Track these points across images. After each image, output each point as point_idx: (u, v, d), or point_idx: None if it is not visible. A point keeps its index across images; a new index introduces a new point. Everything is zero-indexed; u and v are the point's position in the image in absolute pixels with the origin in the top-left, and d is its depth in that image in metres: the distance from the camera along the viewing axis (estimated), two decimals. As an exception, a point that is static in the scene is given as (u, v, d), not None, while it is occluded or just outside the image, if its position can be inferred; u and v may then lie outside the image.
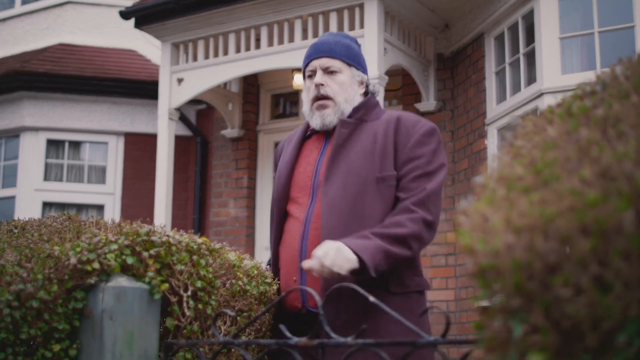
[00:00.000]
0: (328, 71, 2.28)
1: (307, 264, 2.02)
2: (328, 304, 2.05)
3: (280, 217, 2.28)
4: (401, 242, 2.08)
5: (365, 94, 2.37)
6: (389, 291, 2.12)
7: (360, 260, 1.99)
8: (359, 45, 2.44)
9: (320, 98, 2.26)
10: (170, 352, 1.80)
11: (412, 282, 2.20)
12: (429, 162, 2.19)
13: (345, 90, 2.28)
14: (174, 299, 1.85)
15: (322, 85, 2.26)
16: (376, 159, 2.17)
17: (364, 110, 2.29)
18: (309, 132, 2.36)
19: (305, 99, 2.32)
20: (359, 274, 2.02)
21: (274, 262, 2.28)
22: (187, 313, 1.86)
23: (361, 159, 2.17)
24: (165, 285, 1.83)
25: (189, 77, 6.43)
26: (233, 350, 1.91)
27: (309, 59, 2.32)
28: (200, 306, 1.89)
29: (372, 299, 1.58)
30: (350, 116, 2.27)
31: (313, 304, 2.13)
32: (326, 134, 2.31)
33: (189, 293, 1.86)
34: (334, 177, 2.15)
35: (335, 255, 1.98)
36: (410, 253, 2.11)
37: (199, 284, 1.88)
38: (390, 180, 2.16)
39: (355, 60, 2.35)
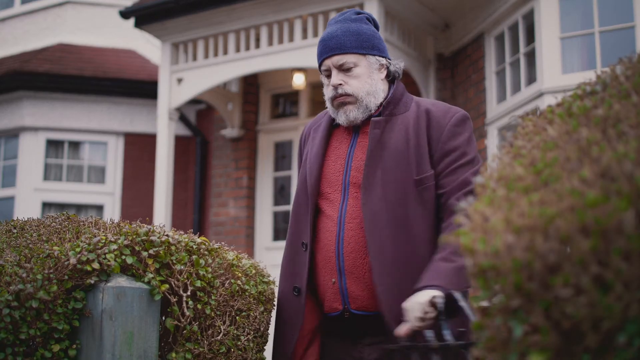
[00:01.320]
0: (343, 68, 2.17)
1: (402, 330, 1.88)
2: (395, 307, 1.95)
3: (312, 213, 2.16)
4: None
5: (387, 75, 2.23)
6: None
7: (434, 286, 1.89)
8: (372, 21, 2.28)
9: (339, 96, 2.16)
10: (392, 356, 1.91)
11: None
12: (464, 153, 2.10)
13: (364, 83, 2.16)
14: (173, 299, 1.85)
15: (341, 84, 2.16)
16: (411, 159, 2.09)
17: (393, 105, 2.18)
18: (336, 122, 2.25)
19: (326, 96, 2.23)
20: (449, 300, 1.86)
21: (308, 261, 2.14)
22: (187, 313, 1.86)
23: (397, 162, 2.09)
24: (165, 286, 1.83)
25: (189, 77, 6.43)
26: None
27: (321, 58, 2.22)
28: (199, 306, 1.88)
29: (462, 303, 1.75)
30: (380, 112, 2.17)
31: (357, 306, 2.06)
32: (355, 127, 2.21)
33: (189, 293, 1.86)
34: (372, 187, 2.07)
35: (414, 303, 1.88)
36: None
37: (198, 283, 1.88)
38: (429, 180, 2.08)
39: (369, 46, 2.19)
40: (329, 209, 2.14)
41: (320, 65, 2.22)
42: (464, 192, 2.04)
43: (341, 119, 2.17)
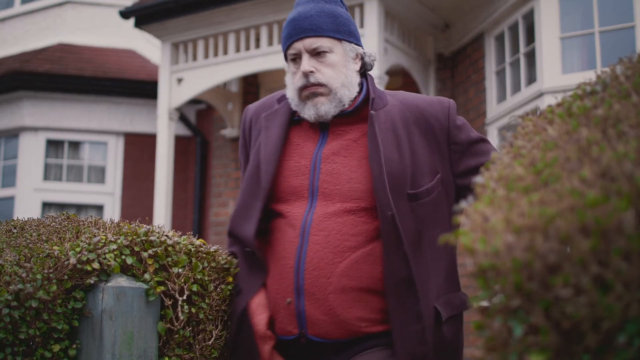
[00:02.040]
0: (315, 53, 1.86)
1: None
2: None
3: (259, 217, 1.86)
4: None
5: (361, 67, 1.95)
6: (440, 321, 1.80)
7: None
8: (346, 7, 2.01)
9: (310, 86, 1.85)
10: None
11: (462, 300, 1.92)
12: (474, 139, 1.92)
13: (339, 72, 1.86)
14: (168, 302, 1.84)
15: (312, 72, 1.85)
16: (407, 169, 1.81)
17: (378, 101, 1.89)
18: (297, 117, 1.93)
19: (290, 86, 1.91)
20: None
21: (248, 273, 1.90)
22: (181, 317, 1.84)
23: (391, 169, 1.79)
24: (161, 288, 1.83)
25: (189, 77, 6.43)
26: None
27: (290, 40, 1.90)
28: (193, 310, 1.87)
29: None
30: (354, 109, 1.88)
31: (316, 332, 1.77)
32: (324, 124, 1.89)
33: (184, 297, 1.85)
34: (382, 197, 1.77)
35: None
36: None
37: (194, 287, 1.87)
38: (424, 195, 1.82)
39: (345, 31, 1.92)
40: (291, 216, 1.83)
41: (287, 48, 1.92)
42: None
43: (309, 113, 1.86)
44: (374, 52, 5.79)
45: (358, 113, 1.89)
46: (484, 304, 0.78)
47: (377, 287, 1.77)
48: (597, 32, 4.90)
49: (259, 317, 1.86)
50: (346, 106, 1.88)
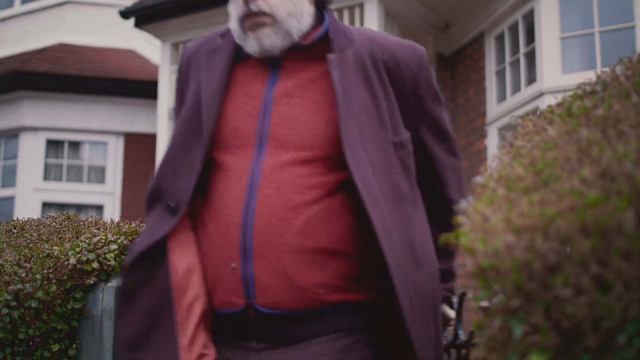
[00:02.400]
0: None
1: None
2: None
3: (200, 169, 1.55)
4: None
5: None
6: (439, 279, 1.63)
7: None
8: None
9: (252, 15, 1.60)
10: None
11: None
12: (445, 119, 1.72)
13: (286, 0, 1.60)
14: None
15: None
16: (384, 114, 1.57)
17: (339, 36, 1.63)
18: (243, 53, 1.65)
19: (233, 14, 1.67)
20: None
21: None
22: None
23: (368, 115, 1.55)
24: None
25: (189, 77, 6.43)
26: None
27: None
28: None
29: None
30: (316, 44, 1.61)
31: (267, 302, 1.48)
32: (273, 60, 1.62)
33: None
34: (355, 149, 1.51)
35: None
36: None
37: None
38: (408, 145, 1.61)
39: None
40: (235, 166, 1.55)
41: None
42: (461, 190, 1.74)
43: (252, 46, 1.59)
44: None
45: (316, 49, 1.61)
46: (484, 304, 0.78)
47: (337, 248, 1.51)
48: (597, 32, 4.90)
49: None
50: (295, 39, 1.59)
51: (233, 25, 1.66)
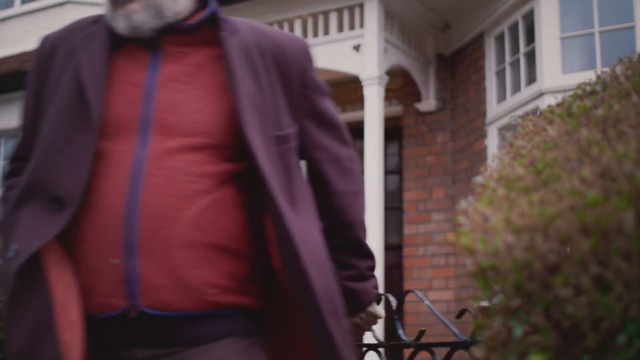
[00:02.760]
0: None
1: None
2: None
3: (90, 156, 1.38)
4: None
5: None
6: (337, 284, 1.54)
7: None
8: None
9: None
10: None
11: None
12: (332, 111, 1.63)
13: None
14: None
15: None
16: (268, 106, 1.47)
17: (225, 20, 1.56)
18: (120, 39, 1.50)
19: None
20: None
21: (60, 230, 1.36)
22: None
23: (254, 105, 1.44)
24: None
25: (189, 77, 6.43)
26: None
27: None
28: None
29: (426, 302, 1.73)
30: (199, 27, 1.52)
31: (152, 302, 1.33)
32: (152, 43, 1.48)
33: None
34: (253, 133, 1.41)
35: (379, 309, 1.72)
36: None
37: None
38: (291, 140, 1.50)
39: None
40: (115, 153, 1.39)
41: None
42: (358, 209, 1.62)
43: (121, 23, 1.46)
44: (374, 53, 5.76)
45: (199, 33, 1.52)
46: (484, 304, 0.78)
47: (230, 245, 1.39)
48: (597, 32, 4.90)
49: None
50: (169, 19, 1.47)
51: (106, 5, 1.50)
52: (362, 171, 1.69)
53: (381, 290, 5.13)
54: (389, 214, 6.50)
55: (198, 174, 1.38)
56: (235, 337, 1.40)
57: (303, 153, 1.58)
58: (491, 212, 0.83)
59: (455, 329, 1.68)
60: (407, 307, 6.11)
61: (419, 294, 1.83)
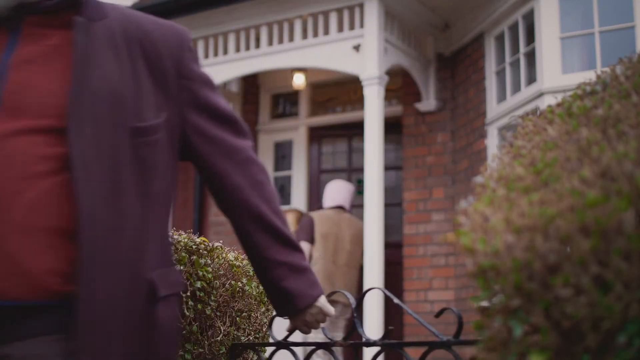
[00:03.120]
0: None
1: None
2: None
3: None
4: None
5: None
6: (156, 296, 1.41)
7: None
8: None
9: None
10: (235, 354, 1.92)
11: (178, 278, 1.53)
12: (232, 119, 1.58)
13: None
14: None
15: None
16: (128, 95, 1.41)
17: (88, 4, 1.48)
18: None
19: None
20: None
21: None
22: (187, 314, 1.86)
23: (110, 93, 1.39)
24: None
25: (189, 77, 6.43)
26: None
27: None
28: (199, 307, 1.89)
29: (396, 300, 1.69)
30: (63, 8, 1.45)
31: (17, 294, 1.26)
32: (13, 24, 1.44)
33: (188, 293, 1.86)
34: (81, 122, 1.35)
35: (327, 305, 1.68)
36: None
37: (198, 284, 1.88)
38: (152, 133, 1.43)
39: None
40: None
41: None
42: (264, 198, 1.56)
43: None
44: (374, 53, 5.77)
45: (62, 16, 1.47)
46: (484, 304, 0.78)
47: (72, 229, 1.31)
48: (597, 32, 4.90)
49: None
50: None
51: None
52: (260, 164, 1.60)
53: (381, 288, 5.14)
54: (388, 210, 6.50)
55: (40, 156, 1.32)
56: (57, 336, 1.30)
57: (193, 149, 1.52)
58: (491, 212, 0.83)
59: (433, 329, 1.60)
60: (407, 307, 6.10)
61: (387, 292, 1.78)
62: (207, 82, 1.56)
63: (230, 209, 1.57)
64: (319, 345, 1.84)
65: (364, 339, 1.76)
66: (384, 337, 1.71)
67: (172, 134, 1.48)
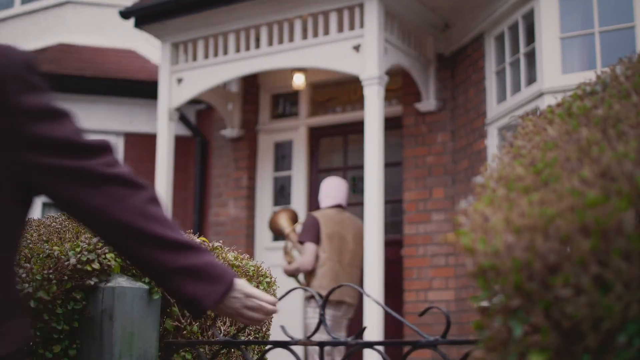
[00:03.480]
0: None
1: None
2: None
3: None
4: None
5: None
6: None
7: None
8: None
9: None
10: (170, 352, 1.83)
11: (22, 331, 1.31)
12: (69, 132, 1.37)
13: None
14: (173, 300, 1.85)
15: None
16: None
17: None
18: None
19: None
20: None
21: None
22: (187, 314, 1.86)
23: None
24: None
25: (189, 77, 6.43)
26: (233, 350, 1.93)
27: None
28: (199, 306, 1.88)
29: (372, 297, 1.64)
30: None
31: None
32: None
33: (189, 293, 1.86)
34: None
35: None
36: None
37: (198, 284, 1.88)
38: None
39: None
40: None
41: None
42: (134, 210, 1.37)
43: None
44: (374, 53, 5.77)
45: None
46: (484, 304, 0.78)
47: None
48: (597, 32, 4.90)
49: None
50: None
51: None
52: (115, 175, 1.38)
53: (381, 287, 5.14)
54: (388, 207, 6.50)
55: None
56: None
57: (38, 187, 1.33)
58: (491, 212, 0.83)
59: (416, 328, 1.53)
60: (407, 307, 6.10)
61: (360, 289, 1.75)
62: (38, 112, 1.34)
63: (104, 234, 1.40)
64: (276, 344, 1.75)
65: (336, 339, 1.69)
66: (357, 336, 1.67)
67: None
